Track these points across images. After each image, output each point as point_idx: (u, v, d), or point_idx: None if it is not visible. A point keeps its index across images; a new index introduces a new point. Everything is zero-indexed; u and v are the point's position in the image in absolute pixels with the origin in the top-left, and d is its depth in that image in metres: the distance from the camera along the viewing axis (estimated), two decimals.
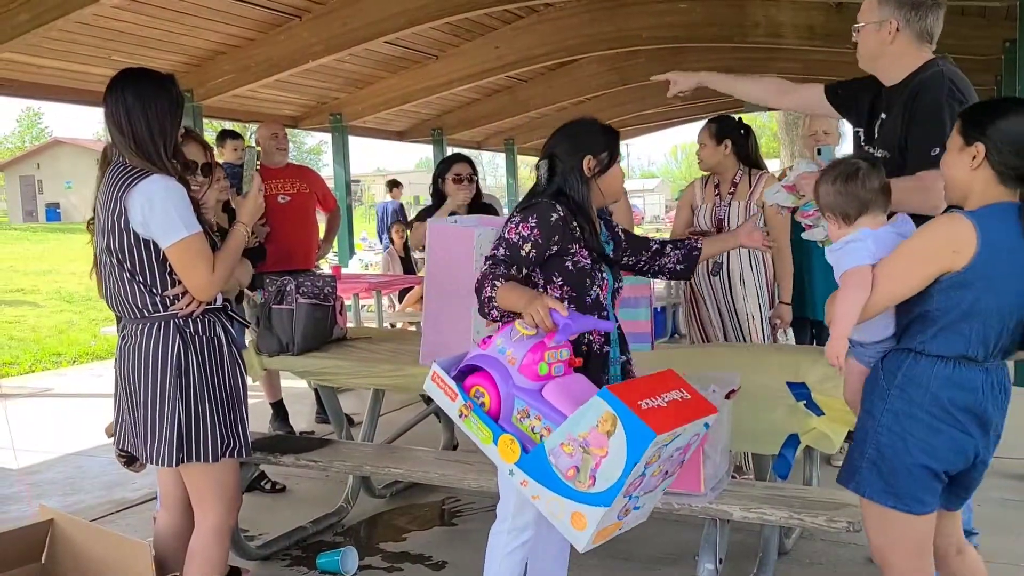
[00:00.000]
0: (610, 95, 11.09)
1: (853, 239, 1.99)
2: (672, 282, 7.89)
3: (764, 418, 2.66)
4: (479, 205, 3.94)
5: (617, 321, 2.36)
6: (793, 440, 2.64)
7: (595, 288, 2.28)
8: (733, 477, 2.69)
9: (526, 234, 2.20)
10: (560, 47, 8.25)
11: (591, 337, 2.27)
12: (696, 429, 2.02)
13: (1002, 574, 2.13)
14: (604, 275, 2.32)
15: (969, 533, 2.69)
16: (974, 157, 1.90)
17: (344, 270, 8.94)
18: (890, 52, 2.50)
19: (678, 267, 2.54)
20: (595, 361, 2.28)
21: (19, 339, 9.69)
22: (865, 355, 2.08)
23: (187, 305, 2.28)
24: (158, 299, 2.26)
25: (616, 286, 2.38)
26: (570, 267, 2.25)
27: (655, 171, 69.79)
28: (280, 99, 8.61)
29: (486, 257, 2.23)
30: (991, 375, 1.93)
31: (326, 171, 7.26)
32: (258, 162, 2.63)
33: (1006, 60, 6.50)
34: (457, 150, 16.42)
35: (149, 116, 2.23)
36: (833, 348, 1.98)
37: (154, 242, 2.22)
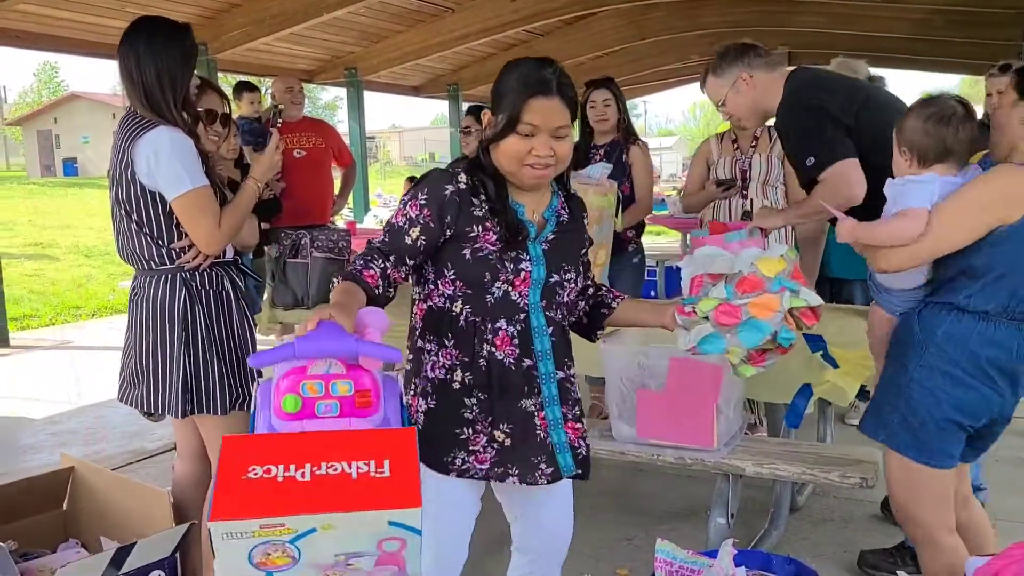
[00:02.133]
0: (628, 50, 10.94)
1: (918, 179, 1.95)
2: (687, 238, 7.84)
3: (779, 368, 2.64)
4: None
5: (550, 325, 1.77)
6: (806, 390, 2.64)
7: (500, 284, 1.70)
8: (746, 434, 2.69)
9: (414, 215, 1.68)
10: (576, 0, 8.12)
11: (492, 349, 1.71)
12: (361, 527, 1.20)
13: (1016, 532, 2.14)
14: (523, 265, 1.72)
15: (977, 488, 2.71)
16: None
17: (359, 226, 8.95)
18: (761, 96, 2.61)
19: (583, 319, 1.97)
20: (514, 378, 1.73)
21: (39, 292, 9.80)
22: (892, 302, 2.06)
23: (193, 258, 2.28)
24: (164, 251, 2.26)
25: (554, 278, 1.77)
26: (467, 256, 1.69)
27: (673, 129, 69.08)
28: (295, 53, 8.54)
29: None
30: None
31: (341, 127, 7.23)
32: (280, 120, 2.59)
33: None
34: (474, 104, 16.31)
35: (159, 66, 2.21)
36: (846, 226, 2.00)
37: (160, 194, 2.22)
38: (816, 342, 2.61)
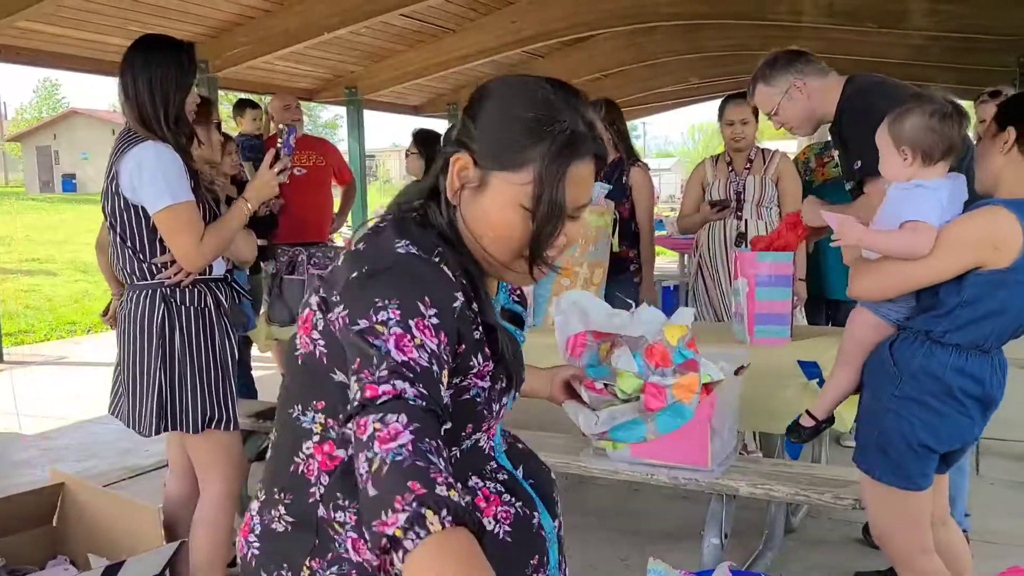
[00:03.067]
0: (627, 72, 11.00)
1: (928, 185, 1.90)
2: (686, 258, 7.87)
3: (776, 397, 2.66)
4: None
5: (521, 473, 1.25)
6: None
7: (480, 434, 1.19)
8: (740, 455, 2.69)
9: (433, 346, 1.00)
10: (577, 22, 8.17)
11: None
12: None
13: (1006, 555, 2.13)
14: (505, 403, 1.20)
15: (963, 514, 2.72)
16: (1005, 142, 1.90)
17: None
18: (814, 103, 2.56)
19: None
20: (521, 550, 1.18)
21: (35, 308, 9.79)
22: (886, 309, 2.04)
23: (175, 274, 2.27)
24: (146, 266, 2.27)
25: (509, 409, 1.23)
26: (445, 399, 1.02)
27: (671, 150, 69.35)
28: (296, 71, 8.58)
29: (362, 405, 0.95)
30: (994, 359, 1.95)
31: (341, 146, 7.27)
32: (290, 140, 2.56)
33: None
34: None
35: (152, 82, 2.23)
36: (849, 232, 1.95)
37: (143, 208, 2.22)
38: (811, 368, 2.61)
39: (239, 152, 4.44)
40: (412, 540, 0.83)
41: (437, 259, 1.08)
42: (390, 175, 43.65)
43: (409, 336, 0.99)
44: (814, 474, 2.44)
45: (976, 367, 1.91)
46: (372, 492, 0.87)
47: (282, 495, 1.17)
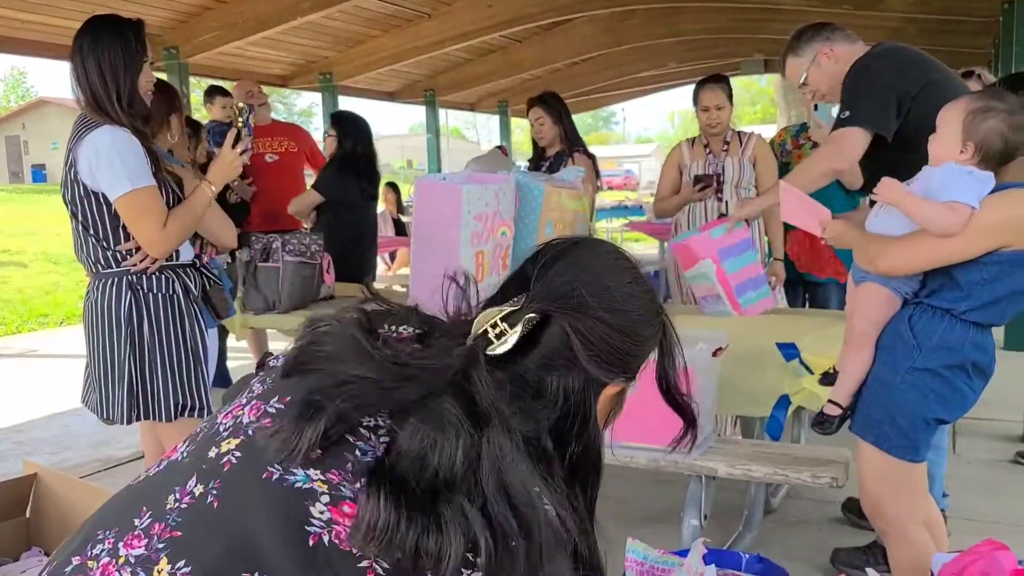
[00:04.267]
0: (605, 56, 10.98)
1: (979, 174, 1.88)
2: (664, 244, 7.88)
3: (755, 379, 2.65)
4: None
5: None
6: (784, 401, 2.64)
7: None
8: (719, 436, 2.69)
9: None
10: (554, 6, 8.13)
11: None
12: None
13: (983, 532, 2.16)
14: None
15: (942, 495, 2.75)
16: None
17: None
18: (842, 68, 2.56)
19: None
20: None
21: (5, 300, 9.64)
22: (897, 283, 2.03)
23: (140, 261, 2.22)
24: (110, 254, 2.22)
25: None
26: None
27: (651, 136, 69.49)
28: (268, 57, 8.48)
29: None
30: (992, 336, 2.00)
31: (317, 134, 7.18)
32: (252, 121, 2.49)
33: (1004, 23, 6.42)
34: (450, 112, 16.26)
35: (102, 64, 2.17)
36: (891, 191, 1.94)
37: (104, 195, 2.17)
38: (789, 350, 2.61)
39: (210, 139, 4.37)
40: None
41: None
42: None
43: None
44: (792, 454, 2.44)
45: (986, 342, 1.97)
46: None
47: None
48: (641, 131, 73.85)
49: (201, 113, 6.26)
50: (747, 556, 1.85)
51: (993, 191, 1.88)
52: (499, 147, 7.32)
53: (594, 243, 1.14)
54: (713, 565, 1.68)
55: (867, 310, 2.08)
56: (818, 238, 2.31)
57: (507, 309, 1.02)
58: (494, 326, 1.01)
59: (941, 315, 1.95)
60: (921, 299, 2.00)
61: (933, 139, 1.98)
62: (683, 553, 1.77)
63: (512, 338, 1.00)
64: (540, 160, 4.28)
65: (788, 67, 2.69)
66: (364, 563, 0.86)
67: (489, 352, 1.00)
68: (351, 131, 4.43)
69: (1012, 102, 1.90)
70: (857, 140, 2.40)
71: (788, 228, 3.65)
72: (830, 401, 2.22)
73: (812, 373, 2.61)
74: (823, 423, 2.24)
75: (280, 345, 5.38)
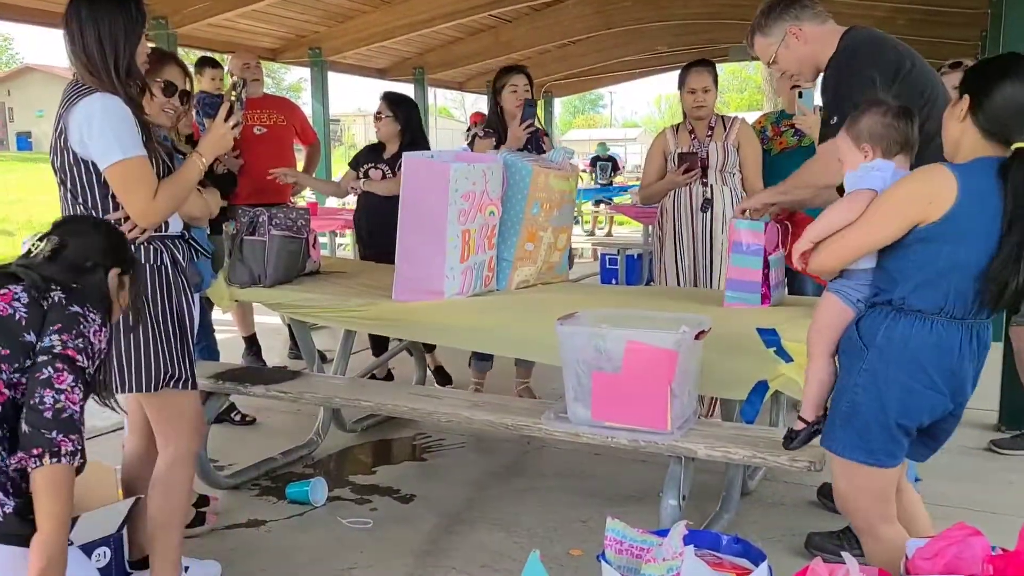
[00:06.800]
0: (594, 39, 10.95)
1: (876, 167, 1.99)
2: (649, 228, 7.90)
3: (734, 364, 2.68)
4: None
5: None
6: (762, 386, 2.67)
7: None
8: (700, 418, 2.72)
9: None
10: None
11: None
12: None
13: (954, 517, 2.20)
14: None
15: (915, 479, 2.78)
16: (962, 110, 1.91)
17: (321, 206, 8.86)
18: (812, 49, 2.58)
19: None
20: None
21: None
22: (848, 289, 2.06)
23: (129, 231, 2.22)
24: None
25: None
26: None
27: (638, 120, 69.37)
28: (258, 30, 8.39)
29: None
30: (970, 330, 1.93)
31: (305, 109, 7.14)
32: (244, 95, 2.49)
33: (992, 15, 6.45)
34: (439, 90, 16.16)
35: (101, 32, 2.15)
36: (798, 248, 2.06)
37: (94, 163, 2.16)
38: (769, 335, 2.64)
39: (199, 110, 4.33)
40: (62, 456, 1.69)
41: None
42: (355, 140, 43.10)
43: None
44: (771, 437, 2.47)
45: (944, 335, 1.90)
46: (50, 416, 1.70)
47: None
48: (628, 115, 73.69)
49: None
50: (726, 537, 1.89)
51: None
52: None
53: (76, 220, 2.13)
54: (692, 545, 1.71)
55: (818, 319, 2.11)
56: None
57: (40, 234, 1.98)
58: (35, 246, 1.95)
59: (883, 311, 1.94)
60: (868, 300, 2.02)
61: (845, 165, 2.09)
62: (662, 533, 1.80)
63: (45, 251, 1.92)
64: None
65: (757, 46, 2.67)
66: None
67: (39, 256, 1.92)
68: (413, 115, 4.41)
69: (890, 101, 2.07)
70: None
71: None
72: (798, 417, 2.24)
73: (791, 359, 2.64)
74: (787, 437, 2.26)
75: (266, 319, 5.38)
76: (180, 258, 2.34)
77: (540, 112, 4.61)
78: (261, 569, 2.78)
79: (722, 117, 3.85)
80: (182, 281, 2.33)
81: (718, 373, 2.62)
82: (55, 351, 1.75)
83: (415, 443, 3.98)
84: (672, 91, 3.37)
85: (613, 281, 7.68)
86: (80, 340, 1.79)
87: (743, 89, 50.64)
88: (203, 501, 3.11)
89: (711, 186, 3.73)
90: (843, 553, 1.75)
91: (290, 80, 42.18)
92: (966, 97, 1.90)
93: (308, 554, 2.87)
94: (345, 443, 3.97)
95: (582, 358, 2.44)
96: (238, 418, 4.19)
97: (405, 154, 3.04)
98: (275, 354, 5.43)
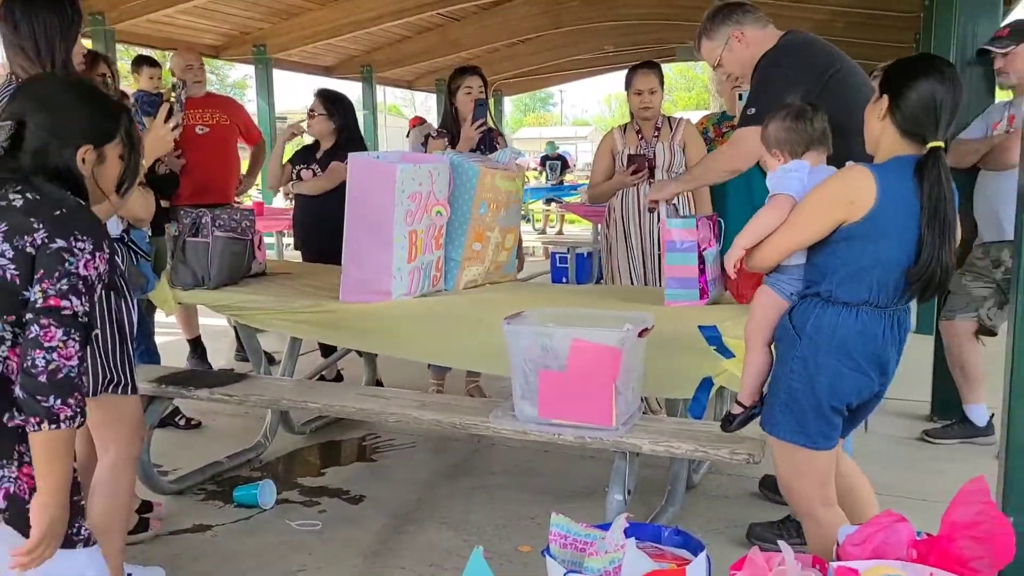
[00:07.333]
0: (543, 38, 11.02)
1: (792, 168, 2.11)
2: (598, 227, 7.98)
3: (677, 363, 2.73)
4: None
5: None
6: (707, 383, 2.73)
7: None
8: (644, 414, 2.76)
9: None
10: None
11: None
12: None
13: (890, 505, 2.28)
14: None
15: None
16: (881, 108, 2.00)
17: (268, 206, 8.75)
18: (753, 52, 2.69)
19: None
20: None
21: None
22: (782, 283, 2.14)
23: None
24: None
25: None
26: None
27: (588, 119, 69.80)
28: (200, 27, 8.26)
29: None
30: (892, 317, 2.04)
31: (251, 107, 7.04)
32: (184, 96, 2.47)
33: (925, 19, 6.66)
34: (388, 88, 16.05)
35: (36, 31, 2.13)
36: (730, 256, 2.14)
37: None
38: (710, 332, 2.70)
39: (137, 109, 4.25)
40: (61, 422, 1.56)
41: None
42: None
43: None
44: (712, 431, 2.53)
45: (868, 323, 2.00)
46: (44, 380, 1.55)
47: None
48: (578, 113, 74.11)
49: (127, 82, 6.07)
50: (667, 529, 1.93)
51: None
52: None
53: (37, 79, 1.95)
54: (633, 538, 1.75)
55: (755, 312, 2.21)
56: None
57: None
58: None
59: (812, 302, 2.04)
60: (800, 293, 2.11)
61: (768, 169, 2.21)
62: (605, 527, 1.84)
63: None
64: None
65: (703, 49, 2.80)
66: None
67: None
68: (349, 113, 4.37)
69: (791, 104, 2.19)
70: (756, 140, 2.50)
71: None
72: (736, 401, 2.33)
73: (733, 355, 2.71)
74: (726, 420, 2.35)
75: (211, 321, 5.30)
76: (119, 261, 2.31)
77: (492, 109, 4.62)
78: (207, 574, 2.75)
79: (668, 118, 3.93)
80: (122, 285, 2.29)
81: (664, 373, 2.67)
82: (37, 305, 1.56)
83: (365, 444, 3.97)
84: (621, 90, 3.45)
85: (564, 280, 7.73)
86: (64, 281, 1.57)
87: (691, 88, 51.29)
88: (146, 507, 3.06)
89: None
90: (780, 542, 1.81)
91: (235, 77, 41.45)
92: (885, 97, 2.00)
93: (256, 558, 2.85)
94: (294, 445, 3.94)
95: (529, 357, 2.47)
96: (183, 422, 4.13)
97: (351, 155, 3.03)
98: (221, 356, 5.36)
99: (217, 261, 3.31)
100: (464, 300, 3.11)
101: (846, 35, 8.91)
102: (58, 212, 1.61)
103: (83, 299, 1.60)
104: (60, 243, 1.58)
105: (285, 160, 4.51)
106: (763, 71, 2.63)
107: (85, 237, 1.61)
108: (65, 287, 1.58)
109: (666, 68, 4.00)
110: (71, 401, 1.58)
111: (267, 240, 5.64)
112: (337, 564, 2.80)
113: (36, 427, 1.56)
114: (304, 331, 3.28)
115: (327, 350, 4.53)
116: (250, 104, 8.31)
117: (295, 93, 21.18)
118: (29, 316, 1.57)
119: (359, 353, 4.43)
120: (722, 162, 2.85)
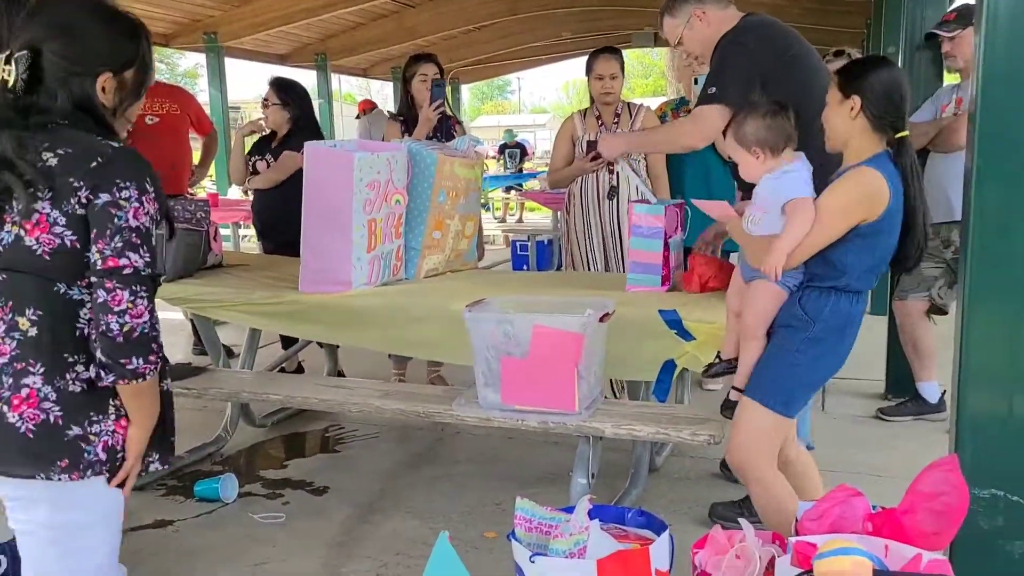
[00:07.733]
0: (500, 25, 10.96)
1: (789, 169, 2.17)
2: (559, 214, 8.01)
3: (639, 346, 2.76)
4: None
5: None
6: (670, 365, 2.76)
7: None
8: (606, 398, 2.79)
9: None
10: None
11: None
12: None
13: (848, 482, 2.34)
14: None
15: (808, 447, 2.96)
16: (852, 108, 2.11)
17: (223, 197, 8.61)
18: (714, 31, 2.73)
19: None
20: None
21: None
22: (787, 277, 2.21)
23: None
24: None
25: None
26: None
27: (546, 106, 69.80)
28: (149, 14, 8.05)
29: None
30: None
31: (203, 96, 6.88)
32: None
33: (875, 4, 6.77)
34: (343, 76, 15.87)
35: None
36: (773, 260, 2.12)
37: None
38: (670, 316, 2.73)
39: None
40: (146, 376, 1.56)
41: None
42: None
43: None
44: (673, 413, 2.57)
45: (863, 306, 2.21)
46: (121, 341, 1.52)
47: (76, 357, 1.57)
48: (536, 101, 74.05)
49: None
50: (630, 510, 1.96)
51: (839, 175, 2.16)
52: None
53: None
54: (597, 520, 1.77)
55: (758, 305, 2.26)
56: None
57: (3, 56, 1.55)
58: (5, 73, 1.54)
59: (827, 292, 2.16)
60: (807, 284, 2.21)
61: (740, 168, 2.25)
62: (570, 510, 1.85)
63: (16, 71, 1.53)
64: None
65: (665, 27, 2.84)
66: None
67: (14, 90, 1.54)
68: (302, 100, 4.28)
69: (762, 101, 2.24)
70: (717, 118, 2.56)
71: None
72: (734, 387, 2.38)
73: (694, 338, 2.74)
74: (725, 406, 2.39)
75: (166, 315, 5.18)
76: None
77: (449, 96, 4.58)
78: (168, 570, 2.72)
79: (628, 104, 3.93)
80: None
81: (626, 357, 2.69)
82: (98, 267, 1.51)
83: (327, 435, 3.95)
84: (579, 77, 3.46)
85: (524, 267, 7.75)
86: (118, 238, 1.51)
87: (648, 75, 51.55)
88: None
89: (617, 173, 3.80)
90: (741, 520, 1.84)
91: (186, 66, 40.66)
92: (856, 98, 2.10)
93: (219, 552, 2.82)
94: (255, 438, 3.90)
95: (491, 343, 2.47)
96: None
97: (307, 144, 2.99)
98: (178, 350, 5.28)
99: (172, 253, 3.25)
100: (425, 288, 3.10)
101: (800, 20, 9.00)
102: (94, 164, 1.52)
103: (141, 251, 1.53)
104: (105, 197, 1.51)
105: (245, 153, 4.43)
106: (724, 50, 2.67)
107: (128, 183, 1.53)
108: (120, 244, 1.51)
109: (623, 54, 4.01)
110: (152, 357, 1.57)
111: (223, 232, 5.56)
112: (302, 556, 2.78)
113: (124, 383, 1.57)
114: (263, 323, 3.23)
115: (287, 342, 4.48)
116: (202, 94, 8.16)
117: (249, 82, 20.83)
118: (93, 279, 1.52)
119: (320, 344, 4.40)
120: (682, 136, 2.87)
